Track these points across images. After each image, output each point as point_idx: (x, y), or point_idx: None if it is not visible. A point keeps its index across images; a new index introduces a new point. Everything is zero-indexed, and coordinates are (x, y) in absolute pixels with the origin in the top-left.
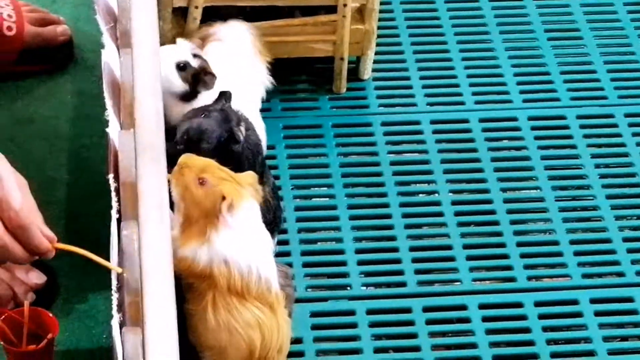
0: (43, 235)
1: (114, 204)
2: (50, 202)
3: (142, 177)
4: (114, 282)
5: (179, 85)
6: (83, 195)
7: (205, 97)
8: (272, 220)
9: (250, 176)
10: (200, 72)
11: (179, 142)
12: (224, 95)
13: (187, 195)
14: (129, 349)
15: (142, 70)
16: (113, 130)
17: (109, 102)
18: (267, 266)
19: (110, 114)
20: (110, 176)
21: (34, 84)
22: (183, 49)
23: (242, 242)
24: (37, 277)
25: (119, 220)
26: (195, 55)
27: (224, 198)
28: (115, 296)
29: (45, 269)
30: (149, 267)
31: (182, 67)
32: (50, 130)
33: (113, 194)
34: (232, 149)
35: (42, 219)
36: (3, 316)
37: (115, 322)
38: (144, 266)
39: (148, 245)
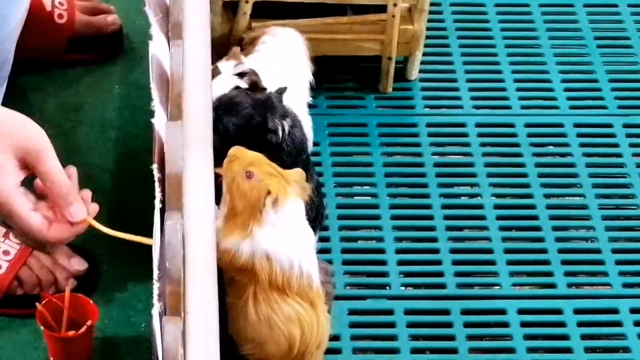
0: (71, 224)
1: (157, 194)
2: (96, 189)
3: (189, 168)
4: (155, 272)
5: None
6: (128, 184)
7: None
8: (315, 217)
9: (297, 174)
10: (252, 87)
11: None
12: (279, 89)
13: (234, 187)
14: (169, 338)
15: (193, 61)
16: (159, 121)
17: (155, 93)
18: (309, 262)
19: (156, 105)
20: (155, 166)
21: (82, 72)
22: (230, 75)
23: (284, 238)
24: (78, 264)
25: (162, 210)
26: (240, 75)
27: (269, 193)
28: (156, 285)
29: (87, 256)
30: (193, 258)
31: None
32: (97, 118)
33: (157, 184)
34: (270, 140)
35: (74, 188)
36: (44, 301)
37: (155, 311)
38: (188, 256)
39: (192, 236)
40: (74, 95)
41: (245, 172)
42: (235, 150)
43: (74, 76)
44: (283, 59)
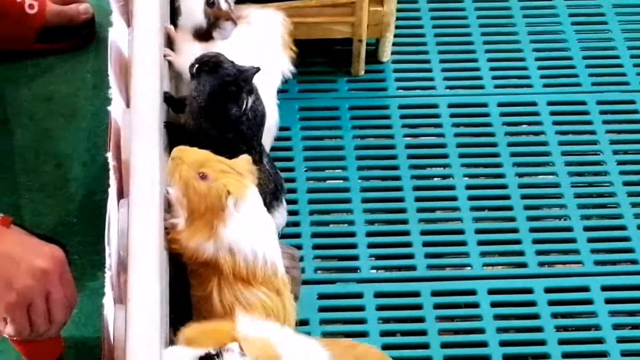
0: None
1: (113, 182)
2: (68, 179)
3: (135, 155)
4: (108, 260)
5: (199, 18)
6: (99, 173)
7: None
8: (275, 188)
9: (246, 161)
10: (223, 15)
11: (192, 64)
12: (255, 67)
13: (190, 191)
14: (120, 326)
15: (142, 47)
16: (116, 108)
17: (113, 81)
18: (272, 251)
19: (114, 92)
20: (109, 154)
21: (54, 61)
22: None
23: (247, 231)
24: None
25: (119, 197)
26: (227, 2)
27: (229, 193)
28: (109, 274)
29: (57, 245)
30: (135, 245)
31: (210, 4)
32: (69, 107)
33: (111, 172)
34: (231, 112)
35: None
36: None
37: (107, 300)
38: (130, 243)
39: (136, 223)
40: (46, 84)
41: (198, 174)
42: (179, 152)
43: (47, 66)
44: (258, 42)
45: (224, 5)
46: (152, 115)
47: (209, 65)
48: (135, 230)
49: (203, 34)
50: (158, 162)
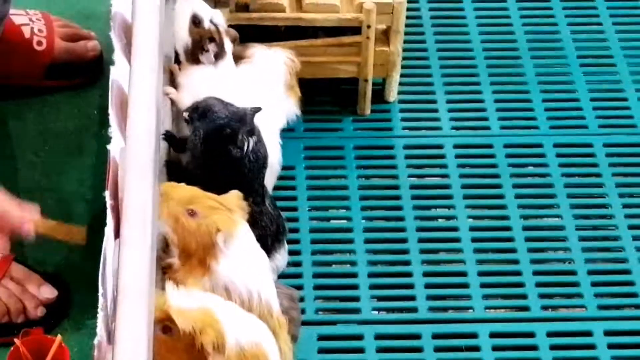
0: None
1: (109, 222)
2: (72, 216)
3: (128, 195)
4: (101, 300)
5: (184, 36)
6: (104, 211)
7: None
8: (277, 230)
9: (236, 197)
10: (206, 34)
11: (184, 110)
12: (254, 108)
13: (179, 228)
14: None
15: (139, 84)
16: (115, 147)
17: (114, 119)
18: (267, 289)
19: (114, 130)
20: (107, 193)
21: (61, 98)
22: (205, 8)
23: (241, 268)
24: (48, 292)
25: (116, 237)
26: (213, 23)
27: (219, 230)
28: (101, 314)
29: (58, 283)
30: (125, 285)
31: (196, 23)
32: (75, 144)
33: (108, 210)
34: (232, 154)
35: None
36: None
37: (98, 342)
38: (120, 283)
39: (126, 265)
40: (53, 121)
41: (187, 211)
42: (167, 188)
43: (53, 102)
44: (260, 81)
45: (207, 25)
46: (147, 154)
47: (199, 112)
48: (125, 271)
49: (191, 56)
50: (151, 201)
